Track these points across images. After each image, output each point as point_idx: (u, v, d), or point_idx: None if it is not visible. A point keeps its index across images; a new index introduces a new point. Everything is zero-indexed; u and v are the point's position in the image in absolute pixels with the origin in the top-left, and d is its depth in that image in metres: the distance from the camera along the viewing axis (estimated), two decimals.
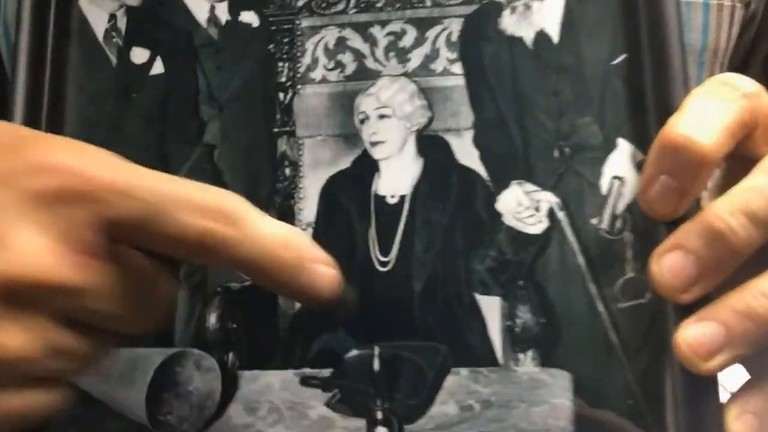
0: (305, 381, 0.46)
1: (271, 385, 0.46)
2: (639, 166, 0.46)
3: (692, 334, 0.40)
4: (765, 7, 0.65)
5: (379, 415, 0.45)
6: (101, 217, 0.35)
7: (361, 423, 0.45)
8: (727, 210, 0.40)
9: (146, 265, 0.38)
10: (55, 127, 0.50)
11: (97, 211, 0.35)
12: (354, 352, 0.46)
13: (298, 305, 0.47)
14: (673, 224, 0.42)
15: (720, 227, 0.40)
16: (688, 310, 0.41)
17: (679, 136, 0.40)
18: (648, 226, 0.45)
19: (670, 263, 0.41)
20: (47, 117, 0.50)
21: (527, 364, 0.45)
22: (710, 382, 0.42)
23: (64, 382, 0.39)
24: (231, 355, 0.47)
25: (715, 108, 0.41)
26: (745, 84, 0.42)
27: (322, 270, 0.39)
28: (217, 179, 0.49)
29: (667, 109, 0.44)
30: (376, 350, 0.46)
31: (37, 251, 0.35)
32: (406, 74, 0.49)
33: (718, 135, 0.40)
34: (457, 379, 0.45)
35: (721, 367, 0.40)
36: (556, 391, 0.44)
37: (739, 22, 0.64)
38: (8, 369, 0.36)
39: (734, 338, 0.39)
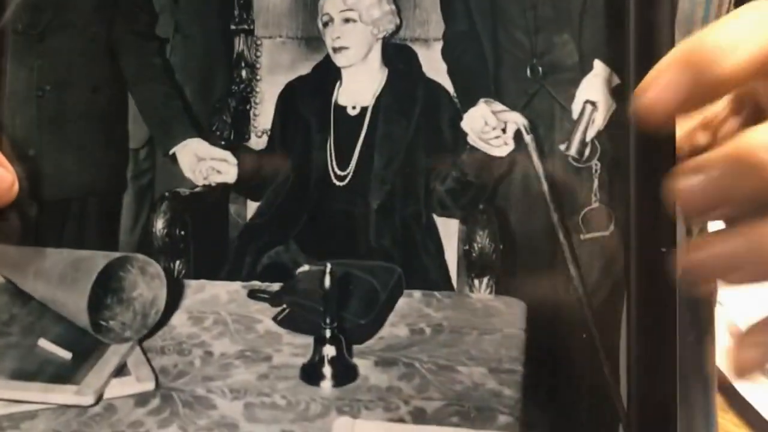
0: (253, 294, 0.43)
1: (218, 296, 0.44)
2: (614, 91, 0.42)
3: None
4: None
5: (328, 333, 0.42)
6: None
7: (308, 340, 0.43)
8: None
9: None
10: None
11: None
12: (305, 268, 0.43)
13: (250, 215, 0.43)
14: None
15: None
16: (649, 243, 0.38)
17: (711, 47, 0.35)
18: (617, 156, 0.41)
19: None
20: None
21: (482, 290, 0.42)
22: (668, 327, 0.40)
23: None
24: (177, 262, 0.44)
25: (750, 26, 0.36)
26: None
27: None
28: (168, 75, 0.44)
29: (649, 32, 0.40)
30: (328, 267, 0.42)
31: None
32: None
33: (748, 59, 0.35)
34: (409, 301, 0.43)
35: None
36: (509, 320, 0.42)
37: None
38: None
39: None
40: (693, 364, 0.44)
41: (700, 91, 0.35)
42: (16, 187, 0.39)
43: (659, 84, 0.35)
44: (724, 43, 0.37)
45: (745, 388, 1.16)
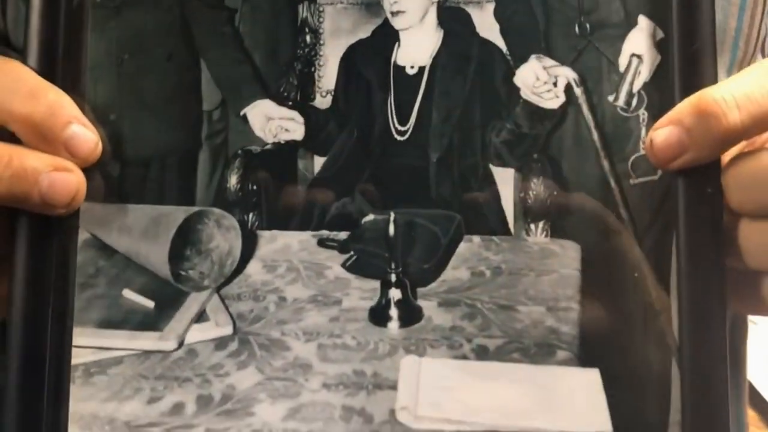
0: (322, 243, 0.45)
1: (290, 245, 0.45)
2: (659, 45, 0.43)
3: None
4: None
5: (393, 278, 0.44)
6: None
7: (375, 285, 0.44)
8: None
9: None
10: None
11: None
12: (370, 217, 0.44)
13: (317, 170, 0.45)
14: None
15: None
16: (695, 185, 0.39)
17: (715, 103, 0.38)
18: (663, 105, 0.42)
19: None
20: None
21: (538, 234, 0.43)
22: (715, 267, 0.41)
23: None
24: (251, 215, 0.45)
25: (758, 90, 0.38)
26: None
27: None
28: (237, 43, 0.45)
29: None
30: (392, 216, 0.44)
31: None
32: None
33: (748, 121, 0.38)
34: (469, 246, 0.44)
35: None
36: (564, 261, 0.43)
37: None
38: None
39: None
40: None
41: (710, 136, 0.38)
42: (100, 147, 0.40)
43: (671, 120, 0.38)
44: (730, 98, 0.39)
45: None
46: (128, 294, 0.45)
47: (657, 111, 0.43)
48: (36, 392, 0.43)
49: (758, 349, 1.20)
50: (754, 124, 0.38)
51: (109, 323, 0.45)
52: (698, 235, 0.41)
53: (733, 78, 0.39)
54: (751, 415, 1.20)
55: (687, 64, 0.41)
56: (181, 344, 0.45)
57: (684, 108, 0.39)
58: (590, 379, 0.42)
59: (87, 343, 0.44)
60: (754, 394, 1.14)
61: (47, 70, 0.43)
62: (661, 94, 0.41)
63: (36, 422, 0.43)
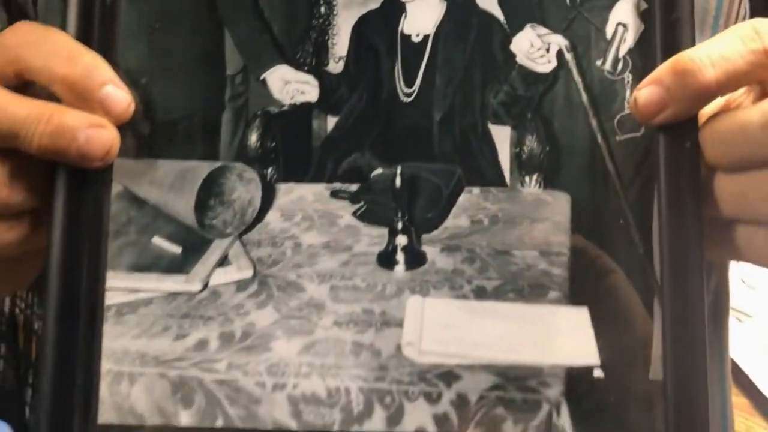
0: (335, 194, 0.48)
1: (305, 196, 0.49)
2: (642, 15, 0.47)
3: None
4: None
5: (399, 225, 0.47)
6: None
7: (383, 232, 0.48)
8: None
9: None
10: None
11: None
12: (379, 171, 0.48)
13: (330, 128, 0.49)
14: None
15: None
16: (674, 140, 0.43)
17: (691, 62, 0.41)
18: (646, 68, 0.46)
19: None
20: None
21: (532, 186, 0.47)
22: (693, 215, 0.44)
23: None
24: (270, 169, 0.49)
25: (730, 51, 0.42)
26: (764, 33, 0.42)
27: None
28: (258, 14, 0.49)
29: None
30: (399, 169, 0.47)
31: None
32: None
33: (722, 78, 0.41)
34: (469, 197, 0.48)
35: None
36: (556, 210, 0.47)
37: None
38: None
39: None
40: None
41: (688, 92, 0.41)
42: (132, 107, 0.44)
43: (653, 80, 0.42)
44: (705, 57, 0.43)
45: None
46: (157, 241, 0.49)
47: (640, 74, 0.46)
48: (71, 330, 0.47)
49: (752, 341, 1.24)
50: (728, 81, 0.42)
51: (139, 267, 0.48)
52: (677, 186, 0.44)
53: (708, 41, 0.43)
54: (743, 402, 1.24)
55: (667, 31, 0.45)
56: (205, 286, 0.48)
57: (663, 68, 0.43)
58: (579, 316, 0.46)
59: (119, 286, 0.48)
60: (746, 380, 1.17)
61: (84, 39, 0.47)
62: (644, 59, 0.45)
63: (71, 358, 0.47)
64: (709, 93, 0.42)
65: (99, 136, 0.44)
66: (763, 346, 1.20)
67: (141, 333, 0.48)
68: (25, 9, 0.75)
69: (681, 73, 0.42)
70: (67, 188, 0.46)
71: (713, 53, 0.42)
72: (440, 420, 0.45)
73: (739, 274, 1.33)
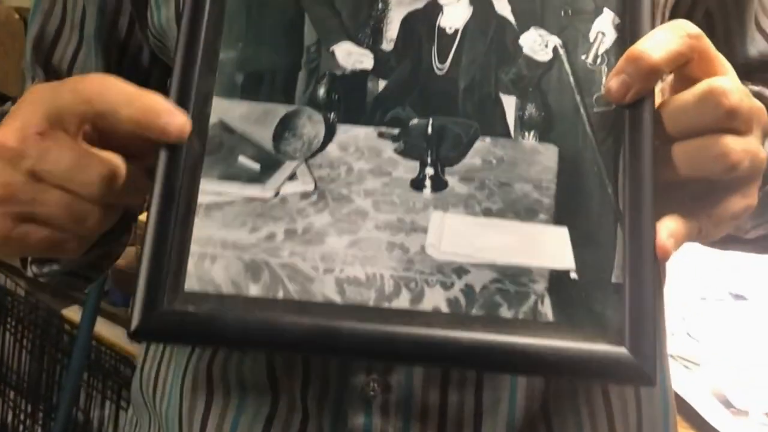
0: (381, 134, 0.62)
1: (358, 135, 0.62)
2: (616, 27, 0.62)
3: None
4: None
5: (429, 159, 0.61)
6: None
7: (415, 164, 0.61)
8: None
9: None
10: None
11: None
12: (415, 120, 0.62)
13: (380, 89, 0.63)
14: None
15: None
16: (637, 112, 0.58)
17: (641, 51, 0.57)
18: (617, 63, 0.61)
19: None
20: None
21: (530, 139, 0.62)
22: (648, 164, 0.59)
23: (55, 230, 0.59)
24: (332, 114, 0.62)
25: (667, 39, 0.57)
26: (690, 28, 0.58)
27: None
28: (330, 4, 0.64)
29: None
30: (430, 120, 0.61)
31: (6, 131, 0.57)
32: None
33: (664, 57, 0.56)
34: (483, 144, 0.61)
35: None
36: (547, 156, 0.61)
37: None
38: (2, 204, 0.58)
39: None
40: None
41: (642, 73, 0.57)
42: (188, 127, 0.57)
43: (618, 70, 0.57)
44: (650, 45, 0.57)
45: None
46: (242, 159, 0.61)
47: (612, 66, 0.62)
48: (168, 220, 0.59)
49: (701, 387, 1.36)
50: (670, 59, 0.57)
51: (227, 177, 0.59)
52: (637, 146, 0.59)
53: (649, 33, 0.59)
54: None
55: (631, 38, 0.60)
56: (277, 194, 0.60)
57: (622, 60, 0.58)
58: (560, 233, 0.59)
59: (211, 189, 0.60)
60: (699, 419, 1.28)
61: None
62: (616, 56, 0.60)
63: (167, 240, 0.58)
64: (658, 70, 0.58)
65: (174, 120, 0.57)
66: (711, 391, 1.32)
67: (223, 225, 0.59)
68: (59, 70, 0.89)
69: (634, 59, 0.58)
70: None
71: (655, 41, 0.58)
72: (452, 303, 0.57)
73: (685, 328, 1.46)
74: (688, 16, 0.83)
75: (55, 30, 0.88)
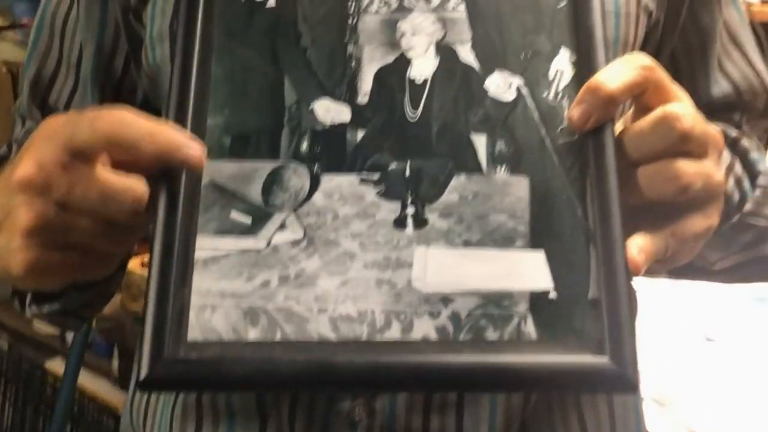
0: (363, 180, 0.65)
1: (341, 183, 0.66)
2: (573, 64, 0.67)
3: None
4: (665, 17, 0.87)
5: (409, 199, 0.64)
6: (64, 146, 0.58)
7: (397, 205, 0.65)
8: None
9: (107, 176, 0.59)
10: None
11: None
12: (394, 165, 0.66)
13: (359, 138, 0.67)
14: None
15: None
16: (598, 139, 0.62)
17: (599, 82, 0.61)
18: (576, 96, 0.65)
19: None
20: None
21: (501, 173, 0.65)
22: (613, 188, 0.62)
23: (86, 254, 0.61)
24: (316, 165, 0.66)
25: (622, 71, 0.61)
26: (644, 60, 0.62)
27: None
28: (308, 66, 0.69)
29: (587, 33, 0.66)
30: (408, 163, 0.65)
31: (28, 165, 0.58)
32: (430, 10, 0.70)
33: (620, 87, 0.61)
34: (458, 181, 0.65)
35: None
36: (519, 188, 0.64)
37: (644, 26, 0.85)
38: (36, 234, 0.59)
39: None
40: None
41: (600, 102, 0.61)
42: (205, 155, 0.61)
43: (579, 101, 0.62)
44: (607, 77, 0.61)
45: None
46: (234, 214, 0.65)
47: (573, 100, 0.66)
48: (168, 275, 0.62)
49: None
50: (626, 88, 0.62)
51: (221, 232, 0.63)
52: (602, 170, 0.63)
53: (607, 66, 0.63)
54: None
55: (588, 73, 0.65)
56: (269, 244, 0.64)
57: (582, 92, 0.62)
58: (537, 257, 0.62)
59: (206, 245, 0.64)
60: None
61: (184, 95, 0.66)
62: (575, 91, 0.65)
63: (168, 293, 0.62)
64: (615, 99, 0.62)
65: (193, 151, 0.61)
66: (685, 428, 1.36)
67: (221, 277, 0.62)
68: (55, 109, 0.94)
69: (593, 90, 0.62)
70: (167, 183, 0.63)
71: (612, 72, 0.62)
72: (440, 330, 0.60)
73: (650, 394, 1.47)
74: (654, 58, 0.88)
75: (52, 72, 0.92)
